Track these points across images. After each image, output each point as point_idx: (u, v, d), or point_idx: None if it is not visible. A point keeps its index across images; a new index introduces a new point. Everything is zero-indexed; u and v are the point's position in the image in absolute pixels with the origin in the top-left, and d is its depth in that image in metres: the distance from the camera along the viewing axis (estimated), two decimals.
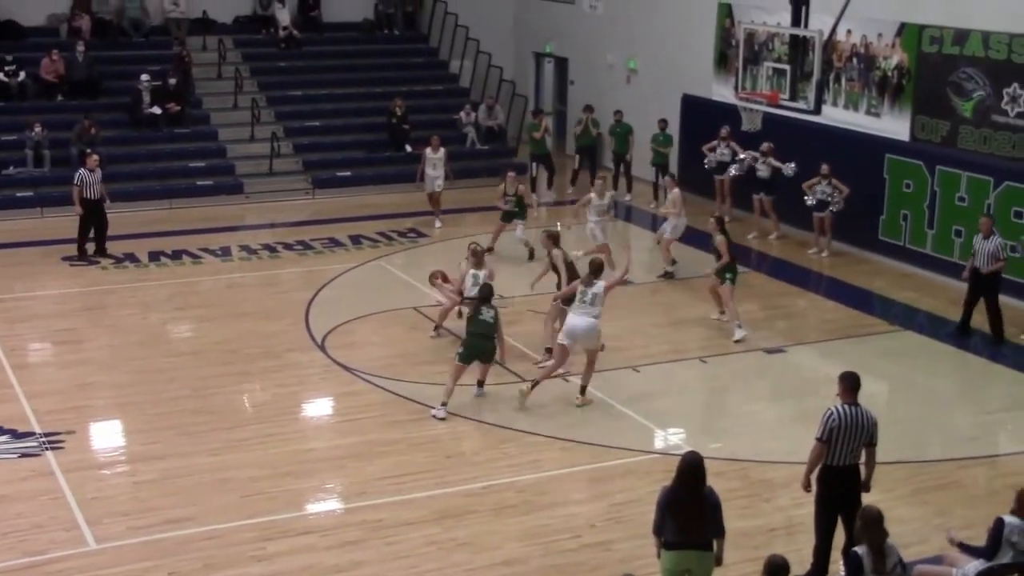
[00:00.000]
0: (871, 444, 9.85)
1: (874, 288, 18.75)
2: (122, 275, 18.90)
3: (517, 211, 19.88)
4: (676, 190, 19.11)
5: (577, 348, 13.94)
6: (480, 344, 13.81)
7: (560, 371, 14.21)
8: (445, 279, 16.28)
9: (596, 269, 14.02)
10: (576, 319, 13.71)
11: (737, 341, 15.92)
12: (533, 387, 13.81)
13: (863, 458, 9.94)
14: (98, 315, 17.05)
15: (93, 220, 19.71)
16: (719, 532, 8.89)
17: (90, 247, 19.64)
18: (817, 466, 9.86)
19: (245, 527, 11.11)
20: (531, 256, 19.40)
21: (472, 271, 15.57)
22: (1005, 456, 13.13)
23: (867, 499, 10.24)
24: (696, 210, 22.48)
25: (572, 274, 15.33)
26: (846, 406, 9.79)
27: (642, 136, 23.85)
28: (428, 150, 21.87)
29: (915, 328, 17.14)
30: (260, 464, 12.40)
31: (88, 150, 22.11)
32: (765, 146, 20.61)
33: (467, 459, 12.62)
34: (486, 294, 14.18)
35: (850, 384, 9.91)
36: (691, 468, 8.80)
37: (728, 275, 16.17)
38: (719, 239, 16.18)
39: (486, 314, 13.90)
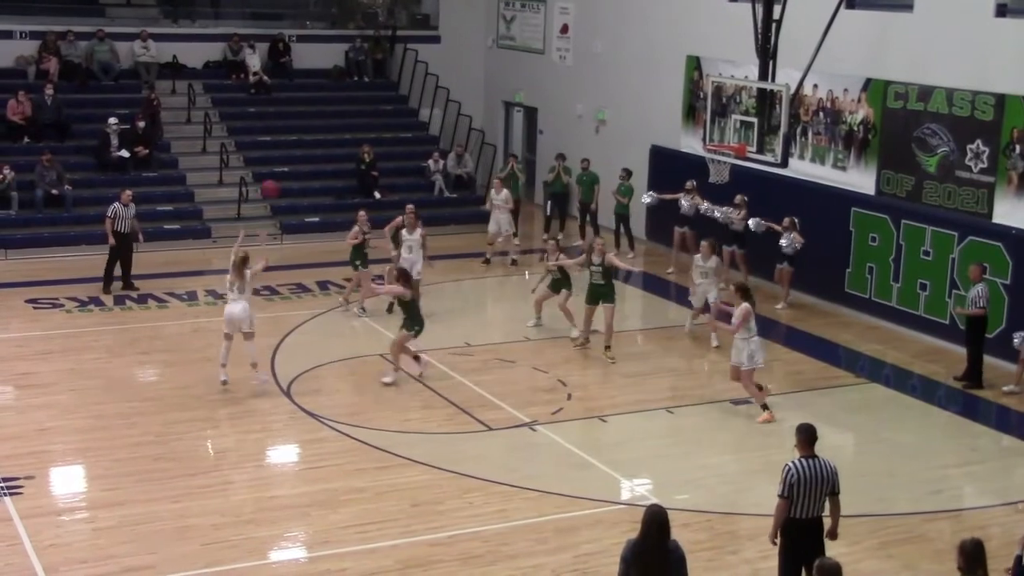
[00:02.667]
0: (834, 493, 9.87)
1: (840, 340, 18.83)
2: (86, 318, 18.73)
3: None
4: (714, 258, 18.10)
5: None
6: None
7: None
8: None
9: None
10: None
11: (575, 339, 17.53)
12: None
13: (827, 509, 9.91)
14: (60, 359, 16.87)
15: (120, 253, 19.91)
16: None
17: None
18: (781, 522, 9.85)
19: (206, 575, 10.94)
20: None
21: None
22: (971, 510, 13.14)
23: (833, 550, 10.23)
24: (662, 260, 22.62)
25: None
26: (804, 460, 9.79)
27: (609, 186, 23.94)
28: (404, 231, 19.09)
29: (881, 381, 17.21)
30: (222, 511, 12.25)
31: (52, 190, 22.14)
32: (738, 199, 20.69)
33: (433, 508, 12.51)
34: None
35: (806, 437, 9.90)
36: (655, 521, 8.70)
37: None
38: (744, 307, 15.10)
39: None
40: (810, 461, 9.78)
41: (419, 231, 18.94)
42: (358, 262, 19.00)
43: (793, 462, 9.78)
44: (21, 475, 12.87)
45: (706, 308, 18.07)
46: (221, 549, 11.45)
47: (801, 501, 9.70)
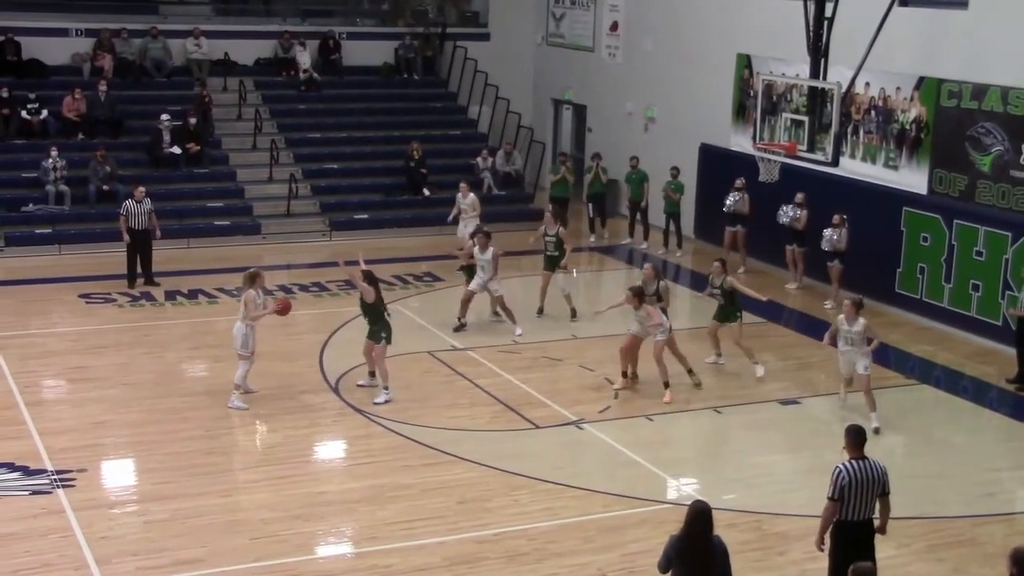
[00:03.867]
0: (884, 494, 9.83)
1: (891, 341, 18.62)
2: (138, 313, 18.93)
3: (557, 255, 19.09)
4: (860, 320, 15.11)
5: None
6: None
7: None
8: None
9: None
10: None
11: (760, 378, 16.45)
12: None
13: (877, 510, 9.86)
14: (113, 353, 17.06)
15: (138, 249, 20.14)
16: None
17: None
18: (829, 525, 9.80)
19: (254, 570, 11.05)
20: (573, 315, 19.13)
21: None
22: (1022, 514, 13.00)
23: (883, 552, 10.16)
24: (711, 259, 22.58)
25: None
26: (854, 461, 9.74)
27: (659, 184, 23.87)
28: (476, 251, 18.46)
29: (932, 382, 17.06)
30: (271, 506, 12.35)
31: (104, 186, 22.46)
32: (799, 197, 20.60)
33: (480, 505, 12.54)
34: None
35: (855, 439, 9.84)
36: (699, 516, 8.76)
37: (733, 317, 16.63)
38: (728, 279, 16.52)
39: None
40: (860, 463, 9.72)
41: (491, 251, 18.15)
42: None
43: (844, 464, 9.72)
44: (74, 468, 13.04)
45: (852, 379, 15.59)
46: (270, 543, 11.54)
47: (852, 503, 9.65)
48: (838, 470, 9.68)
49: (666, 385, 15.58)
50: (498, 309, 18.49)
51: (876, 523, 9.96)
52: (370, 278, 15.46)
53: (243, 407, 14.89)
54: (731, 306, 16.63)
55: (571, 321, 18.82)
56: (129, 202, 20.27)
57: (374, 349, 15.45)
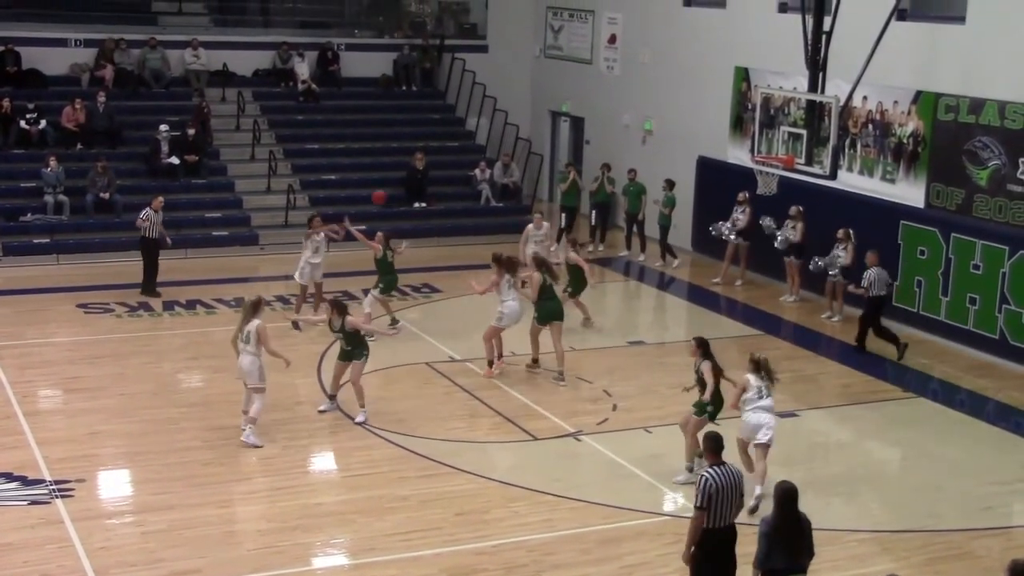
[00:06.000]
0: (741, 494, 10.06)
1: (887, 354, 18.68)
2: (135, 324, 18.94)
3: None
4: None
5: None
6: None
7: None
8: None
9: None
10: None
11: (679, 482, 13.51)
12: None
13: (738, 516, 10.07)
14: (110, 363, 17.06)
15: (149, 258, 20.30)
16: (811, 553, 9.53)
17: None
18: (699, 534, 9.88)
19: None
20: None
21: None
22: (1020, 527, 13.01)
23: (880, 565, 10.16)
24: (707, 271, 22.66)
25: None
26: (716, 467, 9.87)
27: (656, 197, 23.90)
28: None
29: (928, 395, 17.08)
30: (269, 517, 12.36)
31: (104, 195, 22.55)
32: (794, 210, 20.67)
33: (478, 517, 12.55)
34: None
35: (714, 445, 10.05)
36: (787, 496, 9.38)
37: (708, 408, 13.44)
38: (705, 364, 13.43)
39: None
40: (722, 468, 9.88)
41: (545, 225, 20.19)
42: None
43: (707, 471, 9.86)
44: (72, 478, 13.04)
45: None
46: (267, 555, 11.54)
47: (718, 510, 9.79)
48: (704, 478, 9.81)
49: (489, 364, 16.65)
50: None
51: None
52: (338, 307, 15.02)
53: (258, 444, 14.16)
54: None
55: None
56: (148, 210, 20.32)
57: (349, 368, 15.03)
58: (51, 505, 12.43)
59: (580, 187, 25.09)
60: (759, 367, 13.14)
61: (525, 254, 19.22)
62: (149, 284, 20.34)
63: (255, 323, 14.17)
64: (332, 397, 15.43)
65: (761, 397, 13.00)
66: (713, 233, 22.00)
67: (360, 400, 15.04)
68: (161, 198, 20.69)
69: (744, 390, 13.03)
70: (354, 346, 15.01)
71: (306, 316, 17.91)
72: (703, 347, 13.49)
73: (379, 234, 18.77)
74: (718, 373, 13.35)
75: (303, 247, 19.04)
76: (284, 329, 18.35)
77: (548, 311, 16.63)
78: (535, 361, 17.06)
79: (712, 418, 13.33)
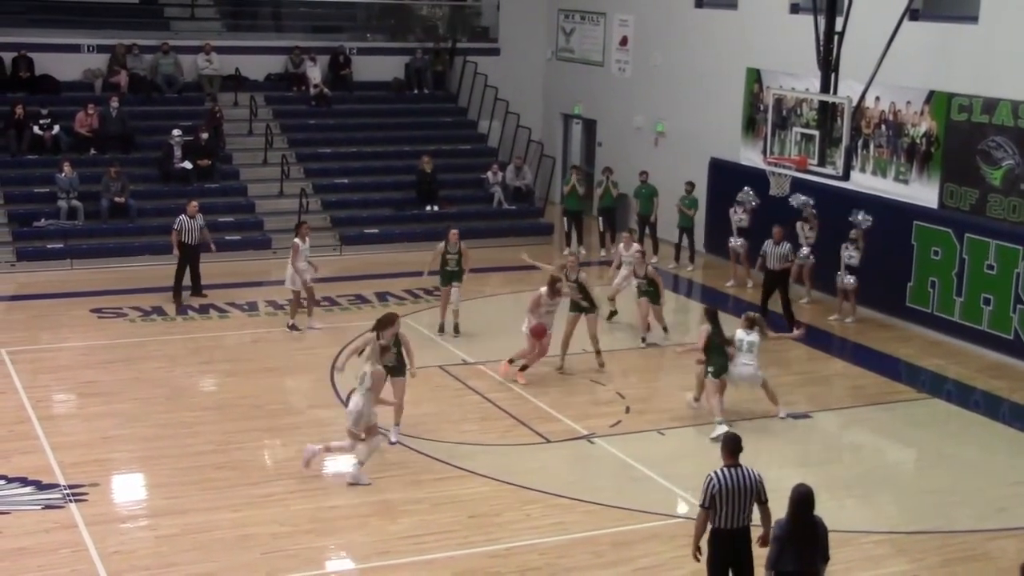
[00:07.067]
0: (761, 502, 9.88)
1: (901, 355, 18.64)
2: (149, 328, 18.98)
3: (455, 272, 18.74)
4: None
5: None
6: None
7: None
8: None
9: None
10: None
11: (714, 439, 14.25)
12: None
13: (757, 518, 9.92)
14: (124, 368, 17.09)
15: (189, 263, 20.29)
16: (826, 558, 9.47)
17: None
18: (704, 533, 9.89)
19: None
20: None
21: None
22: None
23: (895, 567, 10.11)
24: (720, 273, 22.63)
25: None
26: (727, 469, 9.83)
27: (669, 199, 23.89)
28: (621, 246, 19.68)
29: (943, 396, 17.02)
30: (282, 521, 12.36)
31: (119, 199, 22.62)
32: (807, 212, 20.62)
33: (491, 520, 12.53)
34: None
35: (730, 447, 9.98)
36: (803, 499, 9.31)
37: (709, 369, 15.13)
38: (703, 328, 15.25)
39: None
40: (733, 471, 9.82)
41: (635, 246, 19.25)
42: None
43: (715, 472, 9.82)
44: (86, 482, 13.06)
45: None
46: (280, 558, 11.55)
47: (725, 511, 9.73)
48: (709, 478, 9.79)
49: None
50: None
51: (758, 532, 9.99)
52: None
53: (367, 482, 13.29)
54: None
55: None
56: (183, 217, 20.32)
57: (397, 383, 14.43)
58: (65, 509, 12.45)
59: (579, 192, 24.98)
60: (752, 324, 15.18)
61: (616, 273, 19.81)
62: (196, 286, 20.45)
63: (375, 368, 13.28)
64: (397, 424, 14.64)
65: (743, 350, 15.00)
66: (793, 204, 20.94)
67: (397, 418, 14.58)
68: (195, 203, 20.68)
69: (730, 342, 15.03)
70: (401, 363, 14.52)
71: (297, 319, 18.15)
72: (710, 315, 15.29)
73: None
74: (719, 339, 15.01)
75: (296, 254, 18.82)
76: (288, 333, 18.47)
77: None
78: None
79: (716, 375, 14.98)
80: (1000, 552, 12.16)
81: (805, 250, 20.46)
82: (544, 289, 16.47)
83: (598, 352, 17.26)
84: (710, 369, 15.09)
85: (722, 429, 14.55)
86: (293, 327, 18.86)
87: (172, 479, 13.36)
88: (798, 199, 20.49)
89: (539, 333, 16.43)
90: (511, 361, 16.76)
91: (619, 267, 19.80)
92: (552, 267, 18.16)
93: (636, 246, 19.36)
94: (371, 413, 13.22)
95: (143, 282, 21.06)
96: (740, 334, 15.17)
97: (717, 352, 15.06)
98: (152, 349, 17.93)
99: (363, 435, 13.24)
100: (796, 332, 17.08)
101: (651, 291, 18.43)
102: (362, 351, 13.82)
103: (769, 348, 17.96)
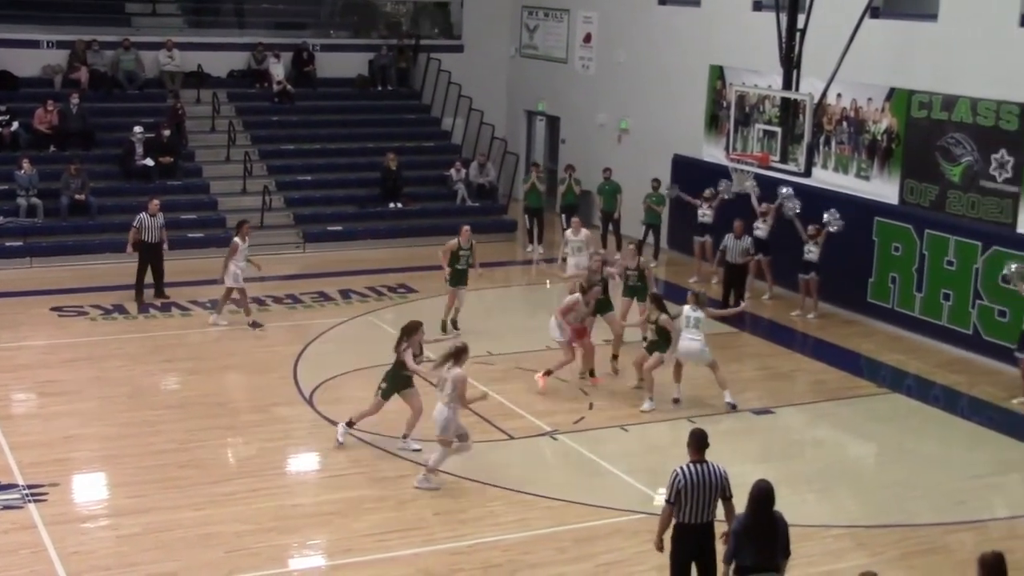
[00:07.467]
0: (726, 498, 9.94)
1: (862, 350, 18.78)
2: (110, 326, 18.84)
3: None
4: None
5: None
6: None
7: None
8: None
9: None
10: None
11: (644, 411, 15.59)
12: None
13: (721, 513, 9.99)
14: (85, 366, 16.97)
15: (150, 262, 20.13)
16: (787, 553, 9.43)
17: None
18: (668, 527, 9.95)
19: None
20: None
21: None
22: (994, 521, 13.07)
23: (855, 560, 10.17)
24: (683, 270, 22.70)
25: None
26: (692, 465, 9.90)
27: (632, 195, 23.96)
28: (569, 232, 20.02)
29: (903, 391, 17.16)
30: (245, 519, 12.30)
31: (79, 196, 22.44)
32: (764, 206, 20.73)
33: (454, 517, 12.53)
34: None
35: (696, 442, 10.04)
36: (763, 495, 9.29)
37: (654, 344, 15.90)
38: (663, 318, 15.68)
39: None
40: (699, 466, 9.89)
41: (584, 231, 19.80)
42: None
43: (681, 467, 9.88)
44: (46, 482, 12.95)
45: None
46: (243, 557, 11.50)
47: (689, 506, 9.80)
48: (675, 473, 9.85)
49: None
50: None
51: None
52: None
53: (435, 487, 13.13)
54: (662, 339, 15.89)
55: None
56: (143, 215, 20.18)
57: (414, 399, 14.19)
58: (24, 510, 12.33)
59: (540, 189, 25.01)
60: (698, 300, 15.82)
61: (563, 258, 19.98)
62: (158, 286, 20.27)
63: (455, 372, 12.94)
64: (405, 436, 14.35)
65: (690, 326, 15.63)
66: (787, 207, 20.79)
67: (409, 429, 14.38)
68: (157, 201, 20.53)
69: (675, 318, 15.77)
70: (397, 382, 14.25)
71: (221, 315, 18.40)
72: (657, 302, 15.91)
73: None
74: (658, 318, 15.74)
75: (235, 252, 18.70)
76: (251, 331, 18.41)
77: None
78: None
79: (663, 350, 15.70)
80: (959, 545, 12.27)
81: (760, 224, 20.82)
82: (578, 295, 16.44)
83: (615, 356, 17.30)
84: (653, 343, 15.89)
85: (649, 406, 15.69)
86: (255, 324, 18.76)
87: (134, 478, 13.27)
88: (791, 200, 20.39)
89: (582, 333, 16.55)
90: (548, 373, 16.39)
91: (565, 257, 19.93)
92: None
93: (585, 231, 19.76)
94: (459, 420, 13.05)
95: (104, 280, 20.90)
96: (687, 310, 15.77)
97: (662, 334, 15.72)
98: (113, 347, 17.81)
99: (454, 441, 13.06)
100: (737, 307, 18.01)
101: (639, 286, 17.82)
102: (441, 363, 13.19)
103: (733, 344, 18.13)
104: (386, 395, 14.10)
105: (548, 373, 16.38)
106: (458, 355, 12.96)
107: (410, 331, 13.94)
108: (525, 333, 18.71)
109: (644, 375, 15.91)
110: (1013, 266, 16.89)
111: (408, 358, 13.82)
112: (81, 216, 23.21)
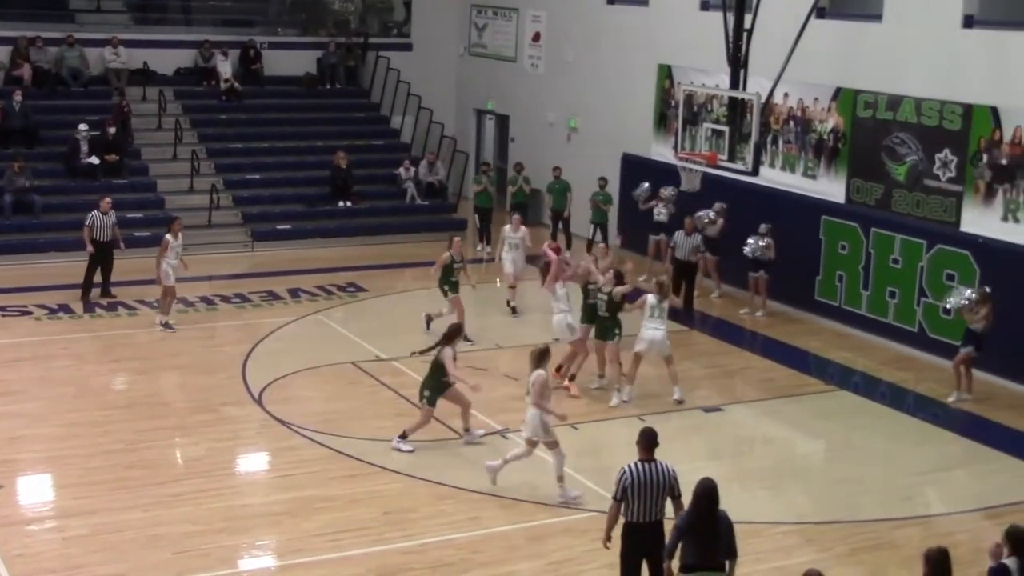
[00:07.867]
0: (675, 497, 9.98)
1: (810, 348, 18.94)
2: (55, 326, 18.62)
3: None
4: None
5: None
6: None
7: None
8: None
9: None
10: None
11: (614, 406, 15.82)
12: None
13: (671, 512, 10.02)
14: (30, 367, 16.75)
15: (100, 261, 19.90)
16: (732, 553, 9.34)
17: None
18: (615, 524, 10.00)
19: None
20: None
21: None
22: (939, 516, 13.24)
23: (802, 556, 10.24)
24: (634, 268, 22.76)
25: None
26: (640, 463, 9.94)
27: (581, 194, 24.02)
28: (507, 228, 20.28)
29: (850, 388, 17.32)
30: (194, 520, 12.21)
31: (23, 191, 22.18)
32: (717, 207, 20.85)
33: (405, 516, 12.51)
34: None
35: (646, 441, 10.08)
36: (706, 493, 9.28)
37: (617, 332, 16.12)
38: (618, 290, 16.04)
39: None
40: (647, 465, 9.93)
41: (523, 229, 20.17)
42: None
43: (628, 465, 9.94)
44: None
45: None
46: (192, 558, 11.41)
47: (637, 504, 9.85)
48: (622, 471, 9.90)
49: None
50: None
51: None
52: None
53: (575, 495, 12.95)
54: (612, 321, 16.15)
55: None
56: (95, 213, 19.94)
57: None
58: None
59: (491, 192, 25.00)
60: (661, 289, 15.95)
61: (501, 255, 20.20)
62: (106, 286, 20.02)
63: (537, 374, 12.92)
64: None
65: (654, 316, 15.76)
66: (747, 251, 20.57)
67: (466, 423, 14.64)
68: (108, 199, 20.30)
69: (642, 308, 15.89)
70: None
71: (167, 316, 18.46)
72: (618, 277, 16.21)
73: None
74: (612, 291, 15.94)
75: (166, 250, 18.56)
76: (206, 329, 18.26)
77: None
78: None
79: (611, 336, 15.99)
80: (905, 540, 12.41)
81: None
82: (506, 227, 17.77)
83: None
84: (615, 332, 16.02)
85: (617, 400, 15.95)
86: (166, 324, 18.54)
87: (81, 479, 13.13)
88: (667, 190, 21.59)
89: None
90: (558, 369, 16.22)
91: (502, 252, 20.06)
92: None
93: (524, 228, 20.06)
94: (547, 421, 12.97)
95: (49, 279, 20.64)
96: (651, 300, 15.88)
97: (614, 309, 16.11)
98: (59, 347, 17.60)
99: (550, 446, 13.04)
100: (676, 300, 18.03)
101: (607, 319, 16.31)
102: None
103: (683, 342, 18.20)
104: (432, 402, 14.19)
105: (572, 378, 16.42)
106: (541, 357, 13.07)
107: (452, 336, 14.21)
108: (476, 333, 18.69)
109: (610, 368, 16.05)
110: (950, 301, 17.00)
111: (449, 363, 13.93)
112: (25, 215, 22.91)
